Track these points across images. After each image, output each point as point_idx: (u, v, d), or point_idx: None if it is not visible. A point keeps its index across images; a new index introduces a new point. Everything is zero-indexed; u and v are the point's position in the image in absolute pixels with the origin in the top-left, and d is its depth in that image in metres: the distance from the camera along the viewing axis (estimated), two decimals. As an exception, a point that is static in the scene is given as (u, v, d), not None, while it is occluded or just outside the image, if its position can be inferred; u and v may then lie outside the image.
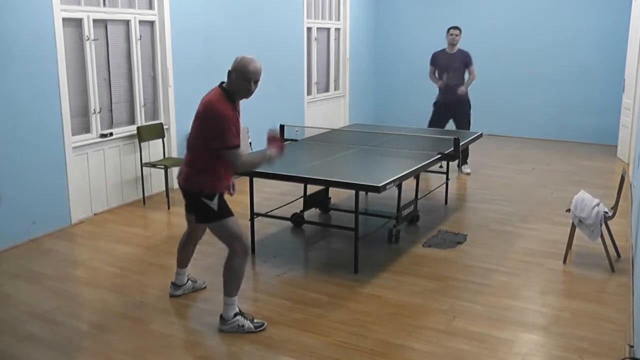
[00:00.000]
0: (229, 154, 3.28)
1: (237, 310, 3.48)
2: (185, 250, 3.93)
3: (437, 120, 7.54)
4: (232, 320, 3.44)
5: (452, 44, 7.46)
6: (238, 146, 3.29)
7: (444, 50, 7.55)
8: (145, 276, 4.33)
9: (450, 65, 7.43)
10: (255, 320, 3.51)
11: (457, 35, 7.40)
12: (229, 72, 3.35)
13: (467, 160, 7.44)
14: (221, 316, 3.48)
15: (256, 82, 3.35)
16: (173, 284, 3.97)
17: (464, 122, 7.48)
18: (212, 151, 3.29)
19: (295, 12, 8.49)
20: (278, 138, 3.57)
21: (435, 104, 7.63)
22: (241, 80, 3.31)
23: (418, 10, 10.54)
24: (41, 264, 4.54)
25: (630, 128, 7.76)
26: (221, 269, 4.14)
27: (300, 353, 3.24)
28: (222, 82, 3.42)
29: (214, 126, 3.25)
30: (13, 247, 4.85)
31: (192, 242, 3.92)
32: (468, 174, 7.35)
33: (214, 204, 3.39)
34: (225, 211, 3.45)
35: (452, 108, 7.47)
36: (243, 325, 3.44)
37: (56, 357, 3.22)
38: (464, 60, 7.44)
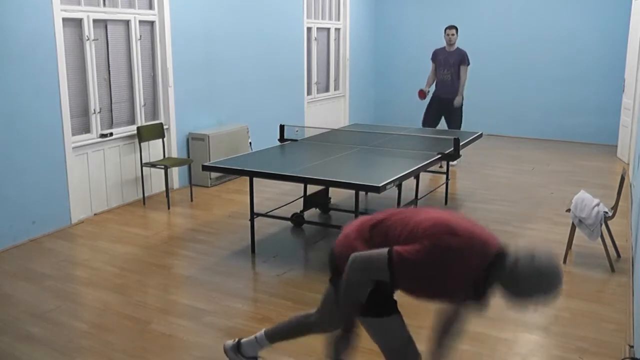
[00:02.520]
0: (358, 258, 2.08)
1: None
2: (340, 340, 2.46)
3: (429, 117, 7.74)
4: None
5: (449, 44, 7.66)
6: (395, 277, 2.04)
7: (443, 47, 7.76)
8: (145, 276, 4.33)
9: (447, 63, 7.64)
10: None
11: (453, 34, 7.61)
12: (518, 279, 1.95)
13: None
14: None
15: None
16: None
17: (455, 120, 7.70)
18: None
19: (295, 12, 8.49)
20: None
21: (431, 98, 7.84)
22: (522, 298, 1.98)
23: (418, 10, 10.54)
24: (41, 264, 4.54)
25: (630, 128, 7.76)
26: (222, 269, 4.14)
27: (301, 353, 3.24)
28: (500, 252, 2.04)
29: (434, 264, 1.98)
30: (13, 247, 4.86)
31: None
32: (453, 165, 7.50)
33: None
34: (381, 307, 2.28)
35: (445, 103, 7.67)
36: None
37: (56, 357, 3.22)
38: (460, 59, 7.62)
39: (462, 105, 7.75)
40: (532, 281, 1.92)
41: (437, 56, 7.78)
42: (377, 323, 2.29)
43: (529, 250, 1.98)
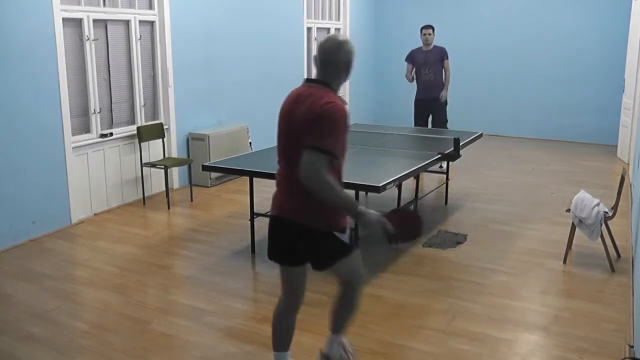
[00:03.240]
0: (313, 158, 2.40)
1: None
2: (287, 324, 2.87)
3: (418, 119, 7.61)
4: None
5: (426, 44, 7.50)
6: (334, 157, 2.46)
7: (420, 47, 7.60)
8: (145, 276, 4.33)
9: (427, 62, 7.47)
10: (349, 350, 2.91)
11: (429, 34, 7.44)
12: (340, 60, 2.56)
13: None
14: (325, 356, 2.87)
15: None
16: None
17: (440, 120, 7.53)
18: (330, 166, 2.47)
19: (295, 12, 8.49)
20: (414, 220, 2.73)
21: (415, 101, 7.71)
22: (351, 67, 2.60)
23: (418, 10, 10.54)
24: (41, 264, 4.54)
25: (630, 128, 7.76)
26: (222, 269, 4.14)
27: (300, 353, 3.24)
28: (308, 79, 2.65)
29: (324, 122, 2.43)
30: (13, 247, 4.85)
31: (293, 310, 2.88)
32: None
33: (346, 235, 2.71)
34: (351, 245, 2.78)
35: (429, 104, 7.52)
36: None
37: (56, 357, 3.22)
38: (440, 56, 7.45)
39: (446, 103, 7.56)
40: (337, 47, 2.55)
41: (414, 57, 7.60)
42: (354, 256, 2.69)
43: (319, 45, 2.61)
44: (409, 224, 2.65)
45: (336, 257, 2.64)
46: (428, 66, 7.46)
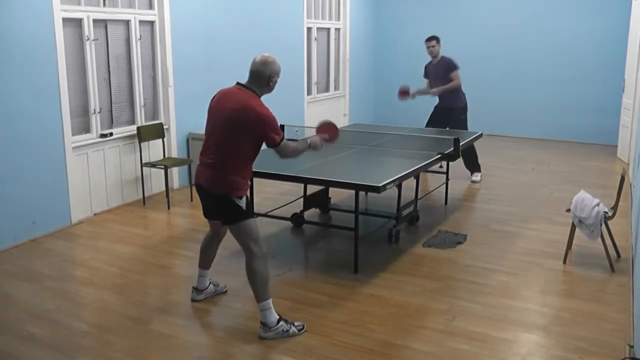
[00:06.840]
0: (281, 147, 3.39)
1: (277, 315, 3.41)
2: (208, 251, 3.86)
3: (429, 123, 7.38)
4: (276, 326, 3.37)
5: (432, 56, 7.16)
6: (283, 136, 3.43)
7: (431, 61, 7.25)
8: (145, 276, 4.33)
9: (437, 75, 7.16)
10: (296, 323, 3.45)
11: (433, 46, 7.07)
12: (264, 74, 3.40)
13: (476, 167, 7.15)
14: (263, 323, 3.38)
15: None
16: (195, 288, 3.86)
17: (459, 129, 7.11)
18: (244, 153, 3.35)
19: (295, 12, 8.49)
20: (331, 128, 3.82)
21: (434, 107, 7.50)
22: (273, 83, 3.46)
23: (418, 10, 10.54)
24: (41, 264, 4.54)
25: (630, 128, 7.76)
26: (222, 269, 4.16)
27: (300, 353, 3.24)
28: (239, 83, 3.52)
29: (264, 127, 3.29)
30: (13, 247, 4.85)
31: (215, 243, 3.86)
32: (475, 182, 7.06)
33: (242, 202, 3.35)
34: (250, 211, 3.44)
35: (445, 114, 7.23)
36: (287, 330, 3.38)
37: (56, 357, 3.22)
38: (447, 70, 7.07)
39: (463, 112, 7.21)
40: (263, 62, 3.42)
41: (427, 71, 7.31)
42: (247, 223, 3.38)
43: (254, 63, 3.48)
44: (331, 129, 3.82)
45: (231, 218, 3.37)
46: (437, 80, 7.13)
